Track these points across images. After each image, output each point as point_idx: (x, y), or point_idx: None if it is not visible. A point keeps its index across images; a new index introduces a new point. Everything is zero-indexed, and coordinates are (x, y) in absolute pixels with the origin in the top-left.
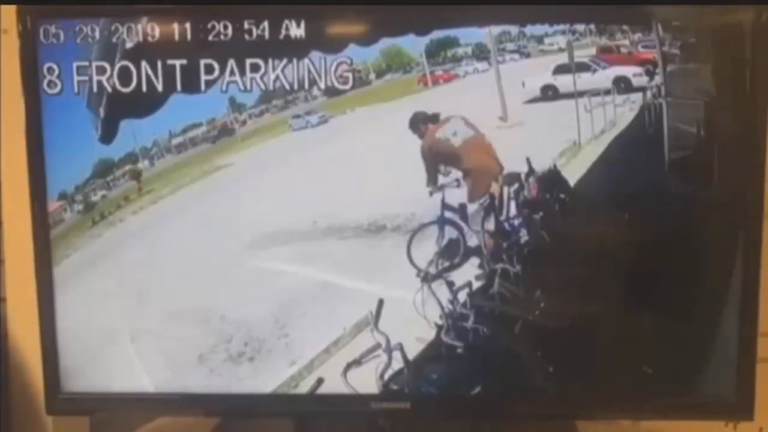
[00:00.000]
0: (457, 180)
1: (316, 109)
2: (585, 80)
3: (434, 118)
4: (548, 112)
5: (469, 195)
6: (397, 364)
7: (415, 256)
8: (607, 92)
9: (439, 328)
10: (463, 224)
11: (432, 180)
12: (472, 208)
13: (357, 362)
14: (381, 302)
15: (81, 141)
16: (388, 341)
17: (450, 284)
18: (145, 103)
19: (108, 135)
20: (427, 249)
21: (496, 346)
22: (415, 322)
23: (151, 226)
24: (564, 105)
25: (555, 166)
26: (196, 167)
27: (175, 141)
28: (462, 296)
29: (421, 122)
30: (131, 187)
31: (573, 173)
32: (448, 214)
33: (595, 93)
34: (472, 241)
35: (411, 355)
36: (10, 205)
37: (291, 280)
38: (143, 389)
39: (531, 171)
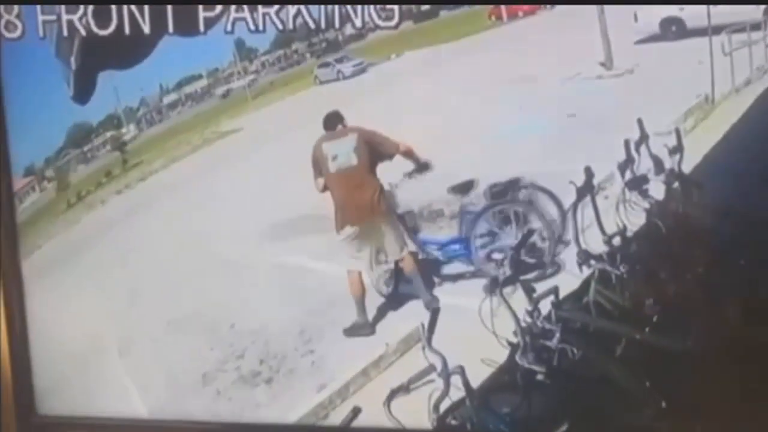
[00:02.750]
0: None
1: (350, 55)
2: (724, 9)
3: (328, 124)
4: (669, 56)
5: (336, 223)
6: (457, 392)
7: None
8: (756, 26)
9: (514, 347)
10: None
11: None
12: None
13: (404, 389)
14: (436, 311)
15: (50, 100)
16: (444, 363)
17: (529, 290)
18: (128, 50)
19: (83, 92)
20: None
21: (589, 373)
22: (481, 338)
23: (141, 210)
24: (692, 45)
25: (678, 130)
26: (195, 134)
27: (168, 99)
28: (545, 306)
29: (324, 123)
30: (114, 160)
31: (703, 140)
32: None
33: (738, 28)
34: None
35: (475, 381)
36: None
37: (319, 280)
38: (135, 414)
39: (644, 137)
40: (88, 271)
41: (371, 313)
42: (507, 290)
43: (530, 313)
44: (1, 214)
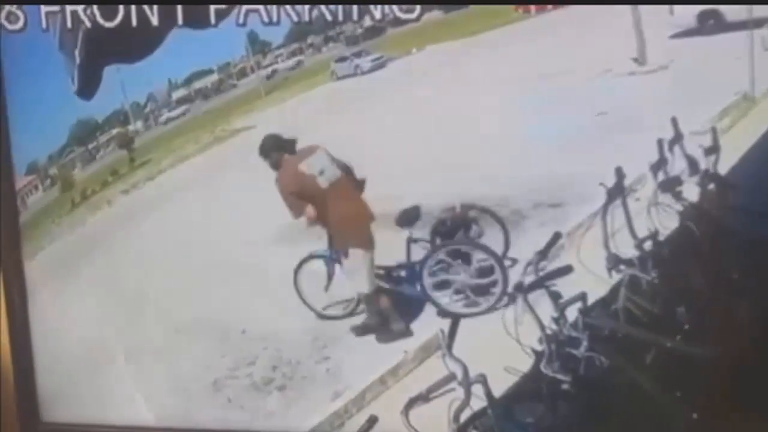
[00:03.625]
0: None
1: (369, 49)
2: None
3: (291, 146)
4: (707, 51)
5: (331, 243)
6: (478, 402)
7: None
8: None
9: (538, 355)
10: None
11: (297, 211)
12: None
13: (423, 398)
14: (457, 318)
15: (53, 95)
16: (465, 371)
17: (555, 296)
18: (135, 43)
19: (88, 87)
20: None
21: (617, 383)
22: (504, 346)
23: (149, 210)
24: (731, 40)
25: (714, 129)
26: (205, 131)
27: (177, 94)
28: (572, 313)
29: (274, 149)
30: (121, 158)
31: (741, 140)
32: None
33: None
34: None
35: (497, 390)
36: None
37: (334, 284)
38: (143, 422)
39: (678, 137)
40: (94, 274)
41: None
42: (533, 296)
43: (556, 320)
44: (2, 214)
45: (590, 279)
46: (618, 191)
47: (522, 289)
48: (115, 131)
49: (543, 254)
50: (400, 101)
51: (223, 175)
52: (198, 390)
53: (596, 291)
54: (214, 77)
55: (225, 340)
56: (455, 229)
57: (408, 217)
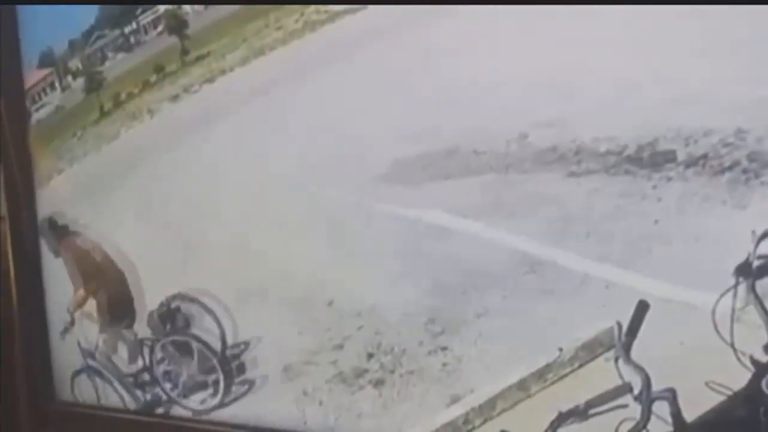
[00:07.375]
0: None
1: None
2: None
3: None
4: None
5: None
6: (661, 426)
7: None
8: None
9: (760, 368)
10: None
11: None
12: None
13: (580, 414)
14: (643, 308)
15: None
16: (647, 382)
17: None
18: None
19: None
20: None
21: None
22: (710, 351)
23: (207, 126)
24: None
25: None
26: (291, 13)
27: None
28: None
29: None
30: (169, 49)
31: None
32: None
33: None
34: None
35: (691, 412)
36: None
37: (460, 246)
38: (186, 411)
39: None
40: (129, 210)
41: None
42: (763, 282)
43: None
44: (5, 122)
45: None
46: None
47: (747, 271)
48: (161, 9)
49: None
50: None
51: (314, 80)
52: (263, 375)
53: None
54: None
55: (304, 312)
56: (164, 323)
57: (119, 315)
